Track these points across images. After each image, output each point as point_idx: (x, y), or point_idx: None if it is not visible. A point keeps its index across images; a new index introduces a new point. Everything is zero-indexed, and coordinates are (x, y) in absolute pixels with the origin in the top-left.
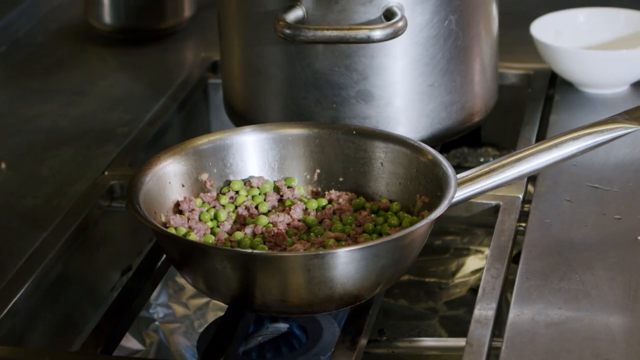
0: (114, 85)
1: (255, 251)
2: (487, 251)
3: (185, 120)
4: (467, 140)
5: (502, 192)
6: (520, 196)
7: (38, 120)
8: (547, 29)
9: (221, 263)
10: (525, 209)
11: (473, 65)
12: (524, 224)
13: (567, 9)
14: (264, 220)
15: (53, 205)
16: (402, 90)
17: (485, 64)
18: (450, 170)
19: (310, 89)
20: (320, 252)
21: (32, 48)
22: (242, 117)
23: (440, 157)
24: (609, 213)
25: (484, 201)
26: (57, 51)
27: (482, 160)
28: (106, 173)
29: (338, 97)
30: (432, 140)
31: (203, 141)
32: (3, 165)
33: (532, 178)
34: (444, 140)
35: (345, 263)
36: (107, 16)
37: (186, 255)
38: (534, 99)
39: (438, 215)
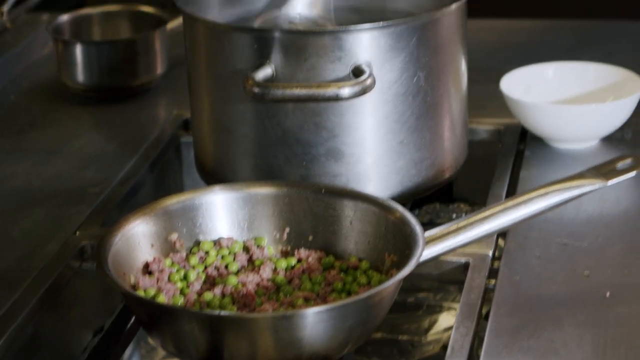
0: (87, 144)
1: (221, 313)
2: (458, 311)
3: (158, 178)
4: (439, 197)
5: (471, 249)
6: (490, 253)
7: (11, 180)
8: (517, 83)
9: (189, 325)
10: (495, 266)
11: (442, 121)
12: (493, 281)
13: (537, 64)
14: (233, 280)
15: (23, 267)
16: (371, 148)
17: (455, 120)
18: (418, 228)
19: (280, 147)
20: (288, 313)
21: (5, 107)
22: (212, 176)
23: (409, 215)
24: (578, 269)
25: (454, 259)
26: (30, 110)
27: (454, 216)
28: (77, 233)
29: (308, 155)
30: (402, 198)
31: (172, 201)
32: None
33: (502, 234)
34: (415, 197)
35: (313, 323)
36: (80, 75)
37: (154, 317)
38: (505, 155)
39: (405, 274)
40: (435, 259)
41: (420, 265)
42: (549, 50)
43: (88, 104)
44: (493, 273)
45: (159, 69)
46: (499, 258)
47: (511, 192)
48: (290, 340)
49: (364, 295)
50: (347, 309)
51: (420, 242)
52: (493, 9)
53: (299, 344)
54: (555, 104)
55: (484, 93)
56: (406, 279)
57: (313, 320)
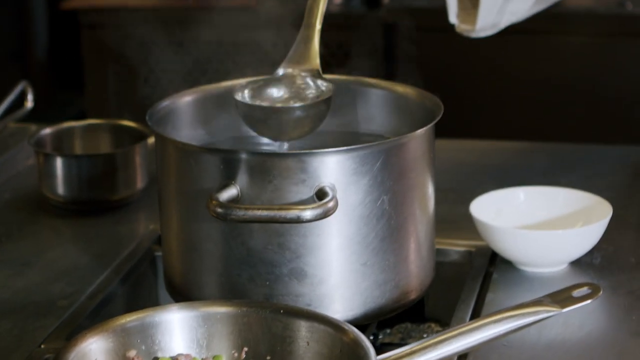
0: (61, 256)
1: None
2: None
3: (132, 292)
4: (410, 316)
5: None
6: None
7: None
8: (487, 207)
9: None
10: None
11: (407, 244)
12: None
13: (508, 188)
14: None
15: None
16: (335, 269)
17: (421, 242)
18: (371, 351)
19: (244, 266)
20: None
21: None
22: (179, 293)
23: (362, 338)
24: None
25: None
26: (8, 221)
27: (425, 336)
28: (42, 346)
29: (271, 274)
30: (365, 319)
31: (131, 318)
32: None
33: (462, 357)
34: (379, 319)
35: None
36: (59, 187)
37: None
38: (473, 277)
39: None
40: None
41: None
42: (526, 172)
43: (67, 216)
44: None
45: (139, 183)
46: None
47: (476, 315)
48: None
49: None
50: None
51: None
52: (471, 130)
53: None
54: (525, 228)
55: (457, 214)
56: None
57: None
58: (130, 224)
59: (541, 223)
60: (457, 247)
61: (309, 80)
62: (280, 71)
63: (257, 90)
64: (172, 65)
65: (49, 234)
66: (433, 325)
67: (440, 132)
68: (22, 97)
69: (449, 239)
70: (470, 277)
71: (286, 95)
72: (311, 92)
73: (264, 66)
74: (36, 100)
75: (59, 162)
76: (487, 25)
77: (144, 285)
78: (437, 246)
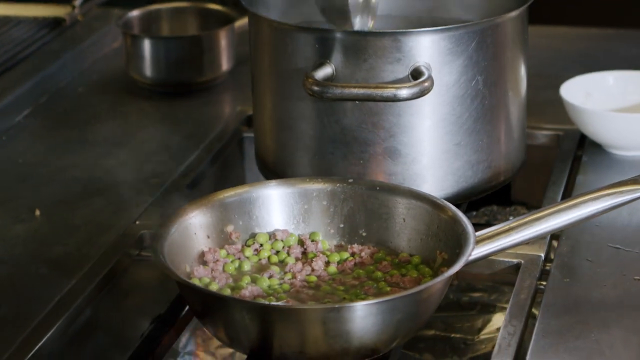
0: (150, 137)
1: (272, 303)
2: (507, 310)
3: (219, 172)
4: (497, 199)
5: (524, 251)
6: (542, 255)
7: (73, 170)
8: (577, 91)
9: (240, 314)
10: (547, 268)
11: (500, 125)
12: (544, 283)
13: (597, 72)
14: (288, 274)
15: (83, 254)
16: (428, 149)
17: (513, 125)
18: (469, 227)
19: (338, 145)
20: (337, 306)
21: (73, 99)
22: (272, 171)
23: (461, 215)
24: (628, 274)
25: (506, 259)
26: (96, 103)
27: (510, 218)
28: (137, 223)
29: (365, 153)
30: (457, 198)
31: (229, 194)
32: (37, 213)
33: (554, 237)
34: (470, 199)
35: (362, 317)
36: (147, 69)
37: (206, 306)
38: (562, 159)
39: (454, 272)
40: (486, 259)
41: (471, 264)
42: (611, 58)
43: (154, 98)
44: (544, 275)
45: (225, 66)
46: (551, 261)
47: (567, 196)
48: (339, 332)
49: (413, 290)
50: (395, 303)
51: (471, 241)
52: (557, 16)
53: (347, 336)
54: (614, 111)
55: (544, 99)
56: (461, 278)
57: (362, 314)
58: (217, 106)
59: (630, 107)
60: (544, 130)
61: None
62: None
63: None
64: None
65: (137, 115)
66: (519, 207)
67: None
68: None
69: (536, 122)
70: (559, 160)
71: None
72: None
73: None
74: None
75: (146, 44)
76: None
77: (231, 165)
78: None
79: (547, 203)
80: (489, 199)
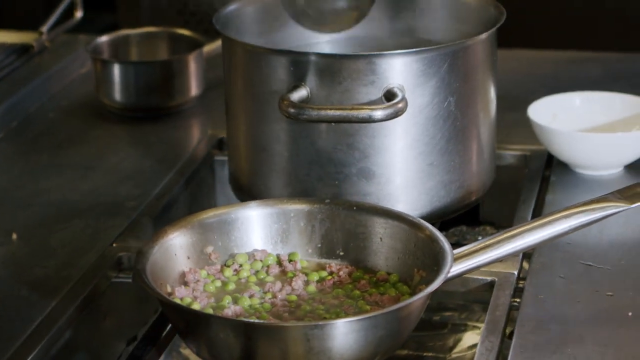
0: (123, 160)
1: (256, 321)
2: (483, 327)
3: (191, 194)
4: (465, 219)
5: (497, 269)
6: (515, 272)
7: (49, 193)
8: (544, 111)
9: (223, 332)
10: (520, 285)
11: (471, 145)
12: (518, 300)
13: (564, 93)
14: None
15: (62, 276)
16: (402, 169)
17: (483, 145)
18: (447, 245)
19: (313, 166)
20: (319, 323)
21: (43, 124)
22: (247, 193)
23: (438, 233)
24: (601, 290)
25: (480, 277)
26: (67, 127)
27: (480, 238)
28: (115, 245)
29: (340, 174)
30: (430, 218)
31: (209, 215)
32: (14, 236)
33: (527, 255)
34: (443, 218)
35: (344, 333)
36: (117, 94)
37: (190, 324)
38: (531, 179)
39: (435, 288)
40: (461, 276)
41: (448, 281)
42: (576, 81)
43: (125, 122)
44: (518, 292)
45: (194, 90)
46: (524, 278)
47: (537, 215)
48: (321, 349)
49: (394, 307)
50: (377, 320)
51: (449, 259)
52: (524, 39)
53: (329, 353)
54: (580, 132)
55: (513, 120)
56: (433, 297)
57: (344, 331)
58: (188, 130)
59: (597, 127)
60: (512, 151)
61: None
62: None
63: None
64: None
65: (108, 139)
66: (488, 227)
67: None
68: (71, 8)
69: (504, 143)
70: (528, 179)
71: None
72: None
73: None
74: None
75: (116, 69)
76: None
77: (203, 188)
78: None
79: (518, 222)
80: (458, 220)
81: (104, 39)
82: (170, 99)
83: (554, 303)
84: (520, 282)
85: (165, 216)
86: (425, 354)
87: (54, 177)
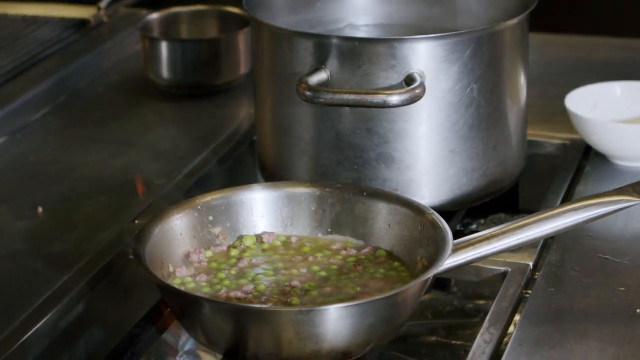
0: (161, 137)
1: (245, 304)
2: (487, 317)
3: (229, 174)
4: (504, 207)
5: (513, 259)
6: (531, 264)
7: (82, 169)
8: (584, 100)
9: (214, 315)
10: (535, 277)
11: (496, 133)
12: (530, 291)
13: (606, 82)
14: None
15: (80, 251)
16: (422, 155)
17: (511, 132)
18: (448, 234)
19: (332, 150)
20: (307, 309)
21: (91, 99)
22: (270, 174)
23: (440, 220)
24: (614, 285)
25: (493, 267)
26: (113, 103)
27: None
28: (136, 222)
29: (359, 159)
30: (452, 205)
31: (216, 196)
32: (39, 210)
33: (546, 246)
34: (465, 206)
35: (331, 320)
36: (164, 71)
37: (183, 306)
38: (565, 169)
39: (424, 279)
40: (475, 266)
41: (450, 271)
42: (626, 69)
43: (170, 99)
44: (531, 284)
45: (242, 68)
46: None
47: None
48: (311, 335)
49: (384, 295)
50: (366, 307)
51: (447, 249)
52: (578, 25)
53: (318, 339)
54: (620, 122)
55: (558, 107)
56: (467, 285)
57: (333, 317)
58: (232, 108)
59: (637, 118)
60: (552, 139)
61: None
62: None
63: None
64: None
65: (152, 116)
66: (526, 215)
67: (538, 25)
68: None
69: (545, 131)
70: (562, 169)
71: None
72: None
73: None
74: None
75: (164, 46)
76: None
77: (242, 167)
78: (533, 138)
79: None
80: (497, 207)
81: (154, 16)
82: (217, 77)
83: (563, 296)
84: (536, 273)
85: (195, 194)
86: (454, 341)
87: (91, 153)
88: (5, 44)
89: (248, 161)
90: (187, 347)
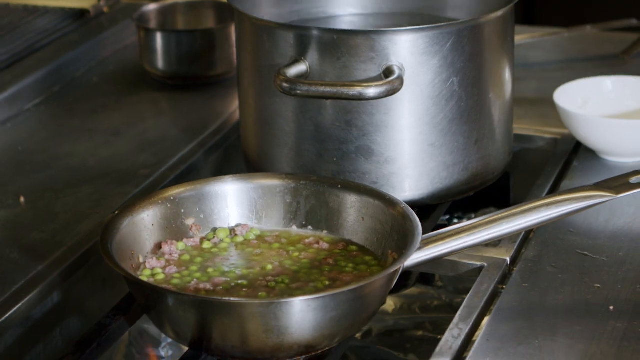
0: (150, 128)
1: (207, 297)
2: (457, 313)
3: (218, 165)
4: (496, 201)
5: (490, 254)
6: (508, 259)
7: (68, 158)
8: (574, 95)
9: (177, 307)
10: (512, 272)
11: (478, 127)
12: (505, 287)
13: (595, 77)
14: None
15: (57, 240)
16: (402, 148)
17: (494, 127)
18: (418, 227)
19: (313, 142)
20: (265, 301)
21: (85, 89)
22: (254, 166)
23: (410, 212)
24: (590, 281)
25: (469, 262)
26: (106, 93)
27: None
28: (117, 212)
29: (339, 151)
30: (432, 199)
31: (188, 188)
32: (22, 200)
33: (525, 240)
34: (445, 200)
35: (295, 313)
36: (159, 62)
37: (148, 298)
38: (553, 164)
39: (389, 272)
40: (450, 260)
41: (423, 265)
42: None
43: (164, 90)
44: (507, 279)
45: (237, 60)
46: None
47: None
48: (273, 327)
49: (346, 288)
50: (329, 300)
51: (414, 244)
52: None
53: (281, 332)
54: (611, 117)
55: (548, 101)
56: (455, 280)
57: (296, 310)
58: (224, 100)
59: (627, 113)
60: (544, 134)
61: None
62: None
63: None
64: None
65: (143, 106)
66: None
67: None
68: None
69: (537, 125)
70: (551, 164)
71: None
72: None
73: None
74: None
75: (158, 37)
76: None
77: (231, 159)
78: (525, 132)
79: None
80: (488, 202)
81: (151, 7)
82: (212, 69)
83: (537, 292)
84: (513, 268)
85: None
86: (439, 336)
87: (79, 142)
88: (4, 33)
89: (237, 153)
90: (170, 339)
